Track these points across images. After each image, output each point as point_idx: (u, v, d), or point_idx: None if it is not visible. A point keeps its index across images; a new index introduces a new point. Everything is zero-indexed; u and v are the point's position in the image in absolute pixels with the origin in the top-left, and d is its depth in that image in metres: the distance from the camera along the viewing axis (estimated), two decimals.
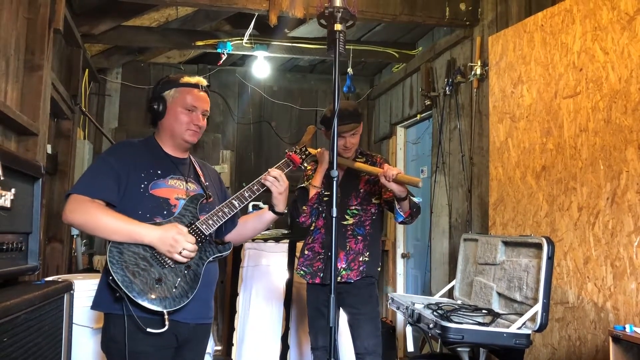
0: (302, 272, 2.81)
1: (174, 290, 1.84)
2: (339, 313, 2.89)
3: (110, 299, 1.83)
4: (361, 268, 2.68)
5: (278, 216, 2.17)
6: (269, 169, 2.09)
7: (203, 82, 2.10)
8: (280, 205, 2.12)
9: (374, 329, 2.70)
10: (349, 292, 2.71)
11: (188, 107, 2.02)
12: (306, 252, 2.83)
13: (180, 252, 1.84)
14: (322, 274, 2.72)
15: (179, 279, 1.87)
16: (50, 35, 3.11)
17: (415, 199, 2.64)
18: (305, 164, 2.16)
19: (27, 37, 2.97)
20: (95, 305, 1.92)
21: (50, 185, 3.93)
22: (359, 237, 2.75)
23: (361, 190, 2.76)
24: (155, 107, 2.01)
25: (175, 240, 1.83)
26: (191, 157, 2.16)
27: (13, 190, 1.75)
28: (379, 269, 2.81)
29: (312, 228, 2.85)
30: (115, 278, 1.76)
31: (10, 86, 2.75)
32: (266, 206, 2.19)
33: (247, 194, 2.03)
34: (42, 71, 3.00)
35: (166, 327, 1.79)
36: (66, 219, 1.85)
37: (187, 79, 2.06)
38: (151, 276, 1.82)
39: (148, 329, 1.78)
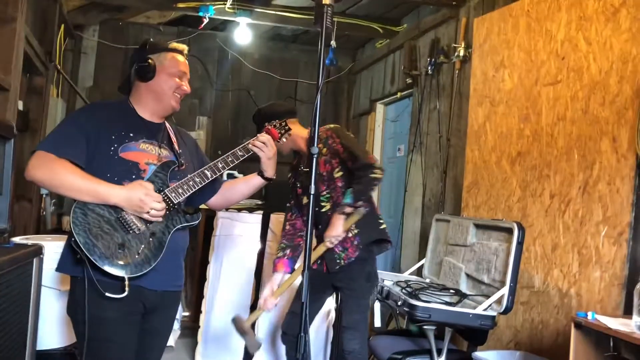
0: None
1: (136, 256, 1.82)
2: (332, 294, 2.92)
3: (73, 261, 1.81)
4: (355, 242, 2.64)
5: (267, 182, 2.17)
6: (257, 135, 2.07)
7: (186, 49, 2.10)
8: (270, 170, 2.12)
9: (355, 305, 2.69)
10: (342, 270, 2.68)
11: (179, 73, 2.02)
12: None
13: (148, 212, 1.82)
14: (319, 262, 2.70)
15: (143, 246, 1.85)
16: None
17: (359, 210, 2.60)
18: (284, 139, 2.14)
19: None
20: (59, 267, 1.89)
21: (21, 142, 3.82)
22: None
23: (324, 174, 2.72)
24: (145, 68, 1.97)
25: (142, 201, 1.81)
26: (166, 123, 2.12)
27: None
28: (381, 227, 2.72)
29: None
30: (77, 240, 1.74)
31: None
32: (240, 175, 2.17)
33: (220, 165, 2.01)
34: (15, 24, 2.89)
35: (126, 293, 1.77)
36: (29, 174, 1.80)
37: (175, 45, 2.05)
38: (114, 240, 1.80)
39: (107, 294, 1.76)
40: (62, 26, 4.66)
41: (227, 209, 4.02)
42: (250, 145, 2.04)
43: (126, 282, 1.78)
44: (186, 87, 2.05)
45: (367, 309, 2.71)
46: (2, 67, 2.80)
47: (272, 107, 2.94)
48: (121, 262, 1.78)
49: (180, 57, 2.05)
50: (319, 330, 3.66)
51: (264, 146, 2.05)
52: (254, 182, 2.19)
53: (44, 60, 4.00)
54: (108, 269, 1.76)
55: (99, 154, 1.87)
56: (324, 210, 2.71)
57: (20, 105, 3.63)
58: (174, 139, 2.09)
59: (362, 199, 2.56)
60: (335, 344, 3.12)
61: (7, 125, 1.90)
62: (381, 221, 2.74)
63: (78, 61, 5.46)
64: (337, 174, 2.70)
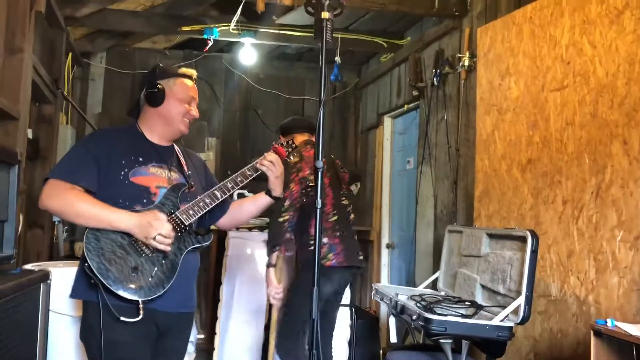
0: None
1: (149, 279, 1.82)
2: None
3: (87, 286, 1.81)
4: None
5: (274, 201, 2.18)
6: (265, 154, 2.08)
7: (195, 74, 2.13)
8: (277, 189, 2.13)
9: (282, 315, 2.88)
10: None
11: (188, 98, 2.04)
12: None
13: (154, 238, 1.81)
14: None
15: (156, 268, 1.85)
16: (31, 17, 3.04)
17: None
18: (292, 157, 2.16)
19: (7, 18, 2.89)
20: (73, 293, 1.90)
21: (31, 170, 3.86)
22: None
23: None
24: (155, 94, 1.99)
25: (151, 225, 1.81)
26: (175, 146, 2.13)
27: None
28: (309, 248, 2.88)
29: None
30: (91, 265, 1.74)
31: None
32: (251, 195, 2.19)
33: (230, 185, 2.02)
34: (23, 54, 2.93)
35: (140, 317, 1.77)
36: (42, 204, 1.82)
37: (184, 70, 2.08)
38: (127, 264, 1.80)
39: (122, 318, 1.76)
40: (70, 54, 4.73)
41: (237, 229, 4.02)
42: (258, 165, 2.05)
43: (140, 306, 1.77)
44: (195, 112, 2.08)
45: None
46: (11, 97, 2.83)
47: (288, 121, 3.23)
48: (135, 286, 1.78)
49: (189, 82, 2.08)
50: None
51: (272, 165, 2.06)
52: (261, 201, 2.20)
53: (53, 89, 4.04)
54: (122, 293, 1.76)
55: (109, 179, 1.89)
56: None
57: (30, 133, 3.67)
58: (183, 161, 2.10)
59: (275, 247, 2.76)
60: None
61: (12, 152, 1.91)
62: (311, 242, 2.87)
63: (86, 88, 5.52)
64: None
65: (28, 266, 2.70)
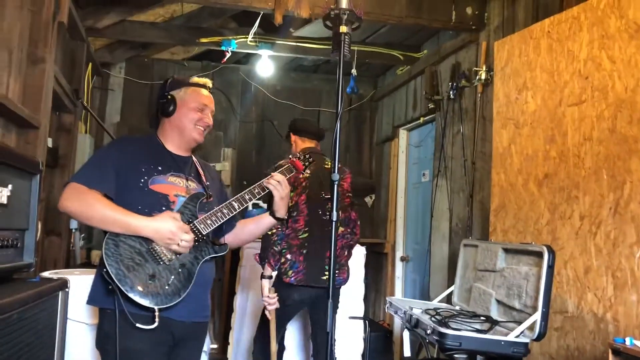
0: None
1: (166, 287, 1.83)
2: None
3: (103, 292, 1.83)
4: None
5: (278, 222, 2.16)
6: (272, 173, 2.08)
7: (210, 83, 2.15)
8: (281, 210, 2.11)
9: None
10: None
11: (200, 106, 2.06)
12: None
13: (178, 244, 1.86)
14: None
15: (173, 277, 1.86)
16: (54, 29, 3.09)
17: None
18: (308, 171, 2.15)
19: (31, 29, 2.95)
20: (90, 300, 1.92)
21: (50, 178, 3.91)
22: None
23: None
24: (166, 104, 2.02)
25: (173, 234, 1.84)
26: (193, 157, 2.16)
27: (10, 186, 1.74)
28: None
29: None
30: (110, 270, 1.76)
31: (12, 79, 2.74)
32: (266, 212, 2.18)
33: (247, 197, 2.03)
34: (45, 64, 2.98)
35: (156, 324, 1.78)
36: (62, 206, 1.85)
37: (196, 79, 2.11)
38: (145, 272, 1.82)
39: (137, 324, 1.77)
40: (90, 65, 4.80)
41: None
42: (265, 183, 2.05)
43: (156, 313, 1.79)
44: (208, 120, 2.09)
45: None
46: (32, 106, 2.88)
47: (300, 122, 3.37)
48: (151, 293, 1.80)
49: (203, 91, 2.10)
50: None
51: (279, 185, 2.05)
52: (264, 223, 2.19)
53: (73, 98, 4.11)
54: (139, 299, 1.78)
55: (129, 187, 1.91)
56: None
57: (50, 142, 3.73)
58: (201, 172, 2.13)
59: (263, 262, 2.86)
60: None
61: (34, 162, 1.94)
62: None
63: (105, 98, 5.60)
64: None
65: (46, 274, 2.73)
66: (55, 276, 2.25)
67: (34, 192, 1.94)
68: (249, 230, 2.23)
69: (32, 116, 2.79)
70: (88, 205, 1.83)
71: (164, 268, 1.85)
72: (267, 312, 2.87)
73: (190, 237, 1.88)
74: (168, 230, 1.84)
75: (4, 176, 1.68)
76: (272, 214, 2.13)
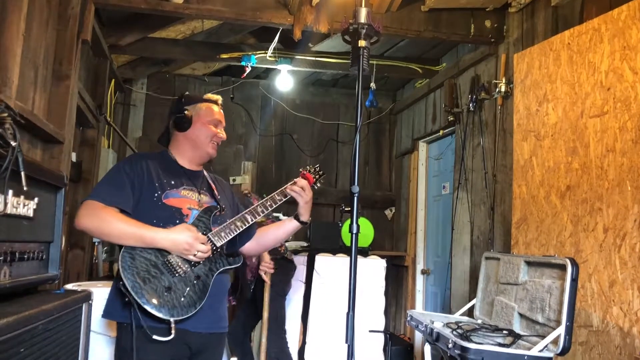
0: None
1: (182, 299, 1.85)
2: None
3: (120, 306, 1.85)
4: None
5: (302, 225, 2.20)
6: (295, 180, 2.13)
7: (221, 100, 2.23)
8: (306, 214, 2.16)
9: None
10: None
11: (214, 121, 2.13)
12: None
13: (195, 255, 1.89)
14: None
15: (188, 289, 1.88)
16: (78, 46, 3.16)
17: None
18: (319, 184, 2.19)
19: (56, 47, 3.03)
20: (106, 313, 1.94)
21: (74, 192, 3.98)
22: None
23: None
24: (182, 119, 2.07)
25: (190, 244, 1.88)
26: (204, 171, 2.20)
27: (36, 199, 1.77)
28: None
29: None
30: (126, 283, 1.78)
31: (38, 95, 2.80)
32: (285, 217, 2.21)
33: (259, 209, 2.06)
34: (70, 81, 3.05)
35: (172, 336, 1.80)
36: (79, 223, 1.88)
37: (209, 96, 2.19)
38: (161, 284, 1.84)
39: (154, 336, 1.78)
40: (113, 81, 4.89)
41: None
42: (287, 190, 2.09)
43: (172, 325, 1.80)
44: (222, 135, 2.15)
45: None
46: (57, 121, 2.95)
47: None
48: (167, 305, 1.81)
49: (215, 107, 2.17)
50: None
51: (302, 191, 2.11)
52: (289, 226, 2.23)
53: (96, 114, 4.19)
54: (155, 312, 1.79)
55: (143, 201, 1.95)
56: None
57: (74, 156, 3.80)
58: (212, 185, 2.17)
59: None
60: None
61: (59, 175, 1.98)
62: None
63: (128, 113, 5.69)
64: None
65: (69, 286, 2.77)
66: (79, 288, 2.28)
67: (59, 206, 1.97)
68: (274, 235, 2.27)
69: (56, 131, 2.85)
70: (104, 221, 1.86)
71: (179, 280, 1.88)
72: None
73: (206, 247, 1.92)
74: (184, 240, 1.87)
75: (30, 190, 1.71)
76: (297, 218, 2.17)
